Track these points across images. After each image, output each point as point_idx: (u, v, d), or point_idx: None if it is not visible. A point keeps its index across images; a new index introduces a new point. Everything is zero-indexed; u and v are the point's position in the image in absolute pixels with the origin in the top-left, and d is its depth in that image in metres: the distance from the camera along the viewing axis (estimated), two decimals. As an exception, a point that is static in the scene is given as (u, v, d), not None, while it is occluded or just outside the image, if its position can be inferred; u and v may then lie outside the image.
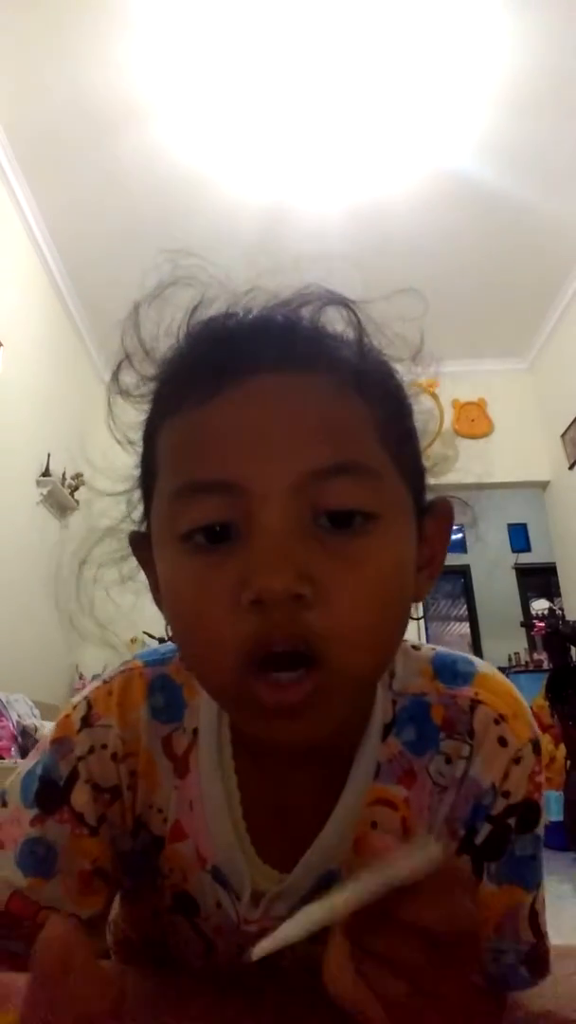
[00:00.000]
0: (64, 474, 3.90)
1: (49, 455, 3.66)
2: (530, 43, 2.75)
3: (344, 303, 0.41)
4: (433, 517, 0.43)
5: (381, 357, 0.42)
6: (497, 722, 0.43)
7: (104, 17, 2.62)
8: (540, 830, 0.44)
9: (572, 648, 3.32)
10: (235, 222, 3.55)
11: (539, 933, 0.44)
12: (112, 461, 0.47)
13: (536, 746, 0.44)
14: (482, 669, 0.47)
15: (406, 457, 0.40)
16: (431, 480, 0.45)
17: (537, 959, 0.44)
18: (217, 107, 2.99)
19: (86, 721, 0.47)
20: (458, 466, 0.49)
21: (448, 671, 0.47)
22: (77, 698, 0.49)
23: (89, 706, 0.48)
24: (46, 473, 3.62)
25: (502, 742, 0.43)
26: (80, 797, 0.46)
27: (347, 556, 0.36)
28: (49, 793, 0.46)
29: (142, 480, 0.44)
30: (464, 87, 2.92)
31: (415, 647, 0.49)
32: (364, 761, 0.44)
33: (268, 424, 0.37)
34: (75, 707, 0.48)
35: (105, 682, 0.49)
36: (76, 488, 4.01)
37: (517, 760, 0.43)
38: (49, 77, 2.84)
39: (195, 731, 0.47)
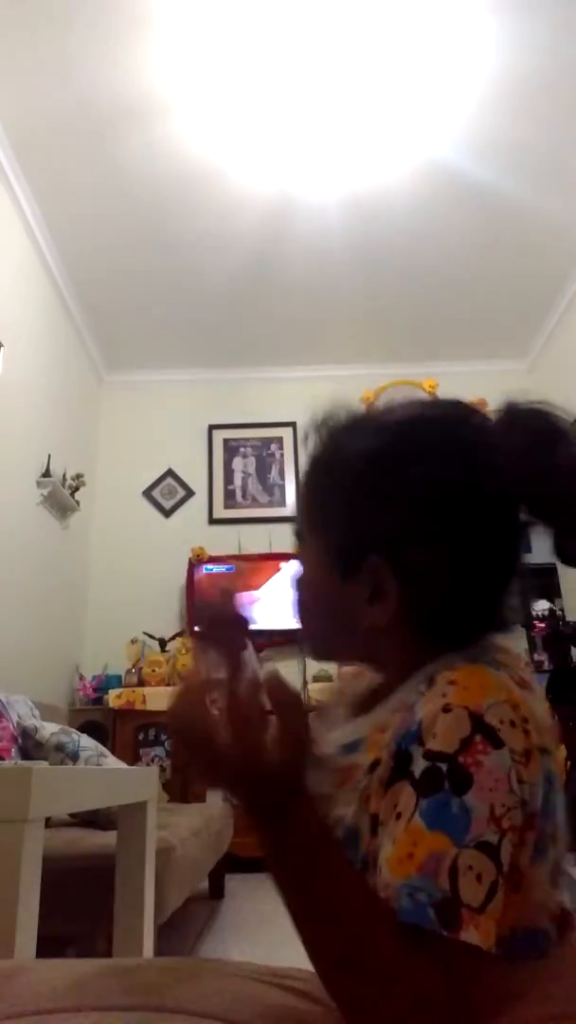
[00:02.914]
0: (64, 475, 3.89)
1: (49, 455, 3.66)
2: (532, 39, 2.75)
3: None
4: (370, 573, 0.60)
5: (315, 477, 0.65)
6: (451, 683, 0.51)
7: (105, 15, 2.62)
8: (478, 798, 0.46)
9: (573, 649, 3.31)
10: (234, 220, 3.55)
11: (456, 892, 0.44)
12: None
13: (478, 723, 0.48)
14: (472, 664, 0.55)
15: (318, 521, 0.65)
16: None
17: (448, 911, 0.44)
18: (216, 106, 2.99)
19: None
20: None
21: (464, 655, 0.57)
22: None
23: None
24: (46, 474, 3.61)
25: (444, 694, 0.50)
26: None
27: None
28: None
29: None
30: (466, 85, 2.92)
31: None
32: (398, 693, 0.60)
33: None
34: None
35: None
36: (76, 488, 4.00)
37: (446, 709, 0.49)
38: (49, 76, 2.84)
39: None
